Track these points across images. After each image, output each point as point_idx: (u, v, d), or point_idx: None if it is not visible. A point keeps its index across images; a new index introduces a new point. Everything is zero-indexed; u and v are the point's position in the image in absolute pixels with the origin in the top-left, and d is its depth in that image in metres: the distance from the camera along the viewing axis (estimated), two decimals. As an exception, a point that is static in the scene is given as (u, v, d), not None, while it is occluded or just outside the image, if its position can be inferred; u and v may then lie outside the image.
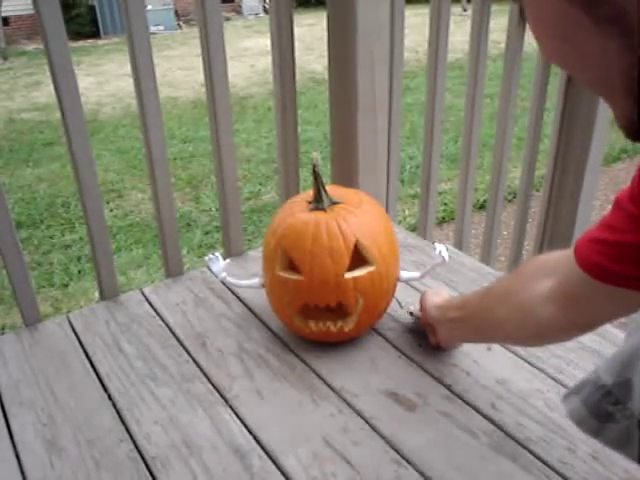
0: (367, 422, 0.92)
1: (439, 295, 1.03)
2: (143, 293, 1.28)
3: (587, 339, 1.06)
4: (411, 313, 1.11)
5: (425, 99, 1.50)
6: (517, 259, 1.64)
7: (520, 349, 1.05)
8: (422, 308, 1.05)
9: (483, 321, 0.85)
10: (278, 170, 1.45)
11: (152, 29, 9.18)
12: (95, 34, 10.01)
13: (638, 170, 0.51)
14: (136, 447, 0.89)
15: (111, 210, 3.36)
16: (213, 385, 1.01)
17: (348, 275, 0.99)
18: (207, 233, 3.06)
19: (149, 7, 8.82)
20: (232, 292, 1.27)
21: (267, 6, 10.30)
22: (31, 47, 9.19)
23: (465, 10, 8.49)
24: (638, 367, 0.54)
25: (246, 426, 0.92)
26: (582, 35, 0.42)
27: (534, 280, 0.71)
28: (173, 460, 0.86)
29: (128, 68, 1.15)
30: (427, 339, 1.06)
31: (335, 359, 1.05)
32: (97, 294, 1.30)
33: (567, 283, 0.64)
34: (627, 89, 0.42)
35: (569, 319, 0.66)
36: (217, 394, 0.99)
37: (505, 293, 0.79)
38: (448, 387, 0.98)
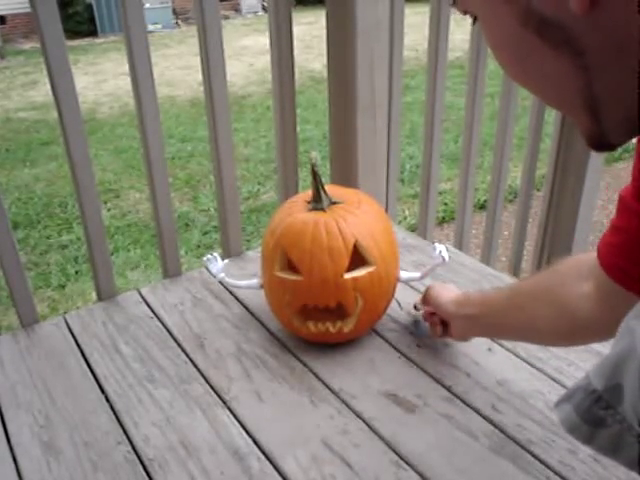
0: (366, 424, 0.91)
1: (448, 289, 1.02)
2: (141, 294, 1.27)
3: (588, 340, 1.05)
4: (415, 307, 1.10)
5: (425, 98, 1.50)
6: (518, 259, 1.64)
7: (521, 350, 1.04)
8: (427, 301, 1.03)
9: (512, 319, 0.84)
10: (277, 170, 1.44)
11: (150, 27, 9.17)
12: (92, 33, 9.98)
13: (636, 164, 0.52)
14: (134, 449, 0.88)
15: (109, 210, 3.35)
16: (211, 386, 1.00)
17: (347, 275, 0.98)
18: (205, 233, 3.05)
19: (147, 5, 8.80)
20: (230, 293, 1.26)
21: (266, 4, 10.29)
22: (28, 46, 9.17)
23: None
24: (628, 371, 0.54)
25: (245, 428, 0.91)
26: (539, 57, 0.45)
27: (572, 279, 0.71)
28: (171, 462, 0.86)
29: (126, 67, 1.14)
30: (427, 337, 1.06)
31: (334, 360, 1.05)
32: (94, 295, 1.29)
33: (598, 285, 0.64)
34: (585, 106, 0.45)
35: (604, 320, 0.66)
36: (215, 395, 0.98)
37: (539, 292, 0.79)
38: (448, 388, 0.97)
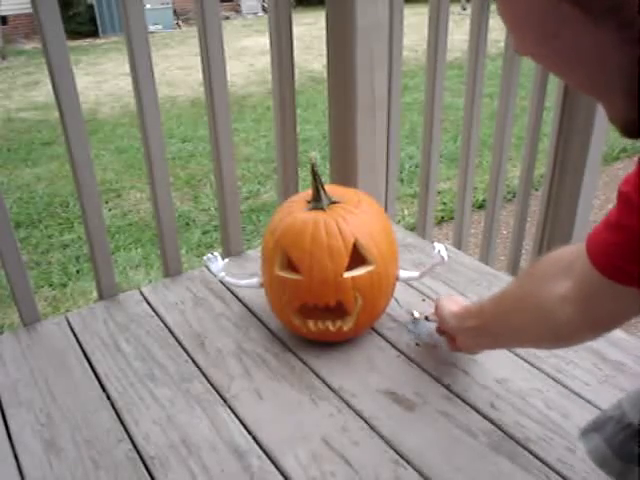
0: (366, 422, 0.91)
1: (454, 302, 0.99)
2: (142, 293, 1.28)
3: (586, 338, 1.06)
4: (427, 317, 1.08)
5: (424, 98, 1.50)
6: (516, 258, 1.64)
7: (519, 348, 1.05)
8: (438, 315, 1.00)
9: (501, 327, 0.81)
10: (277, 169, 1.45)
11: (151, 28, 9.17)
12: (94, 33, 9.99)
13: None
14: (135, 447, 0.89)
15: (110, 210, 3.36)
16: (212, 385, 1.00)
17: (347, 274, 0.98)
18: (206, 233, 3.05)
19: (148, 6, 8.79)
20: (231, 292, 1.26)
21: (266, 5, 10.28)
22: (29, 46, 9.18)
23: (464, 9, 8.49)
24: None
25: (245, 426, 0.92)
26: (573, 31, 0.40)
27: (548, 281, 0.68)
28: (172, 460, 0.86)
29: (127, 67, 1.15)
30: (445, 344, 1.03)
31: (334, 359, 1.05)
32: (96, 294, 1.30)
33: (583, 284, 0.60)
34: (623, 87, 0.40)
35: (587, 320, 0.63)
36: (216, 394, 0.98)
37: (520, 297, 0.76)
38: (447, 387, 0.98)
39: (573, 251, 0.66)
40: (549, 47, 0.43)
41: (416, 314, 1.12)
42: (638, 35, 0.37)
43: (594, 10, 0.38)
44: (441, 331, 1.02)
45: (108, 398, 0.99)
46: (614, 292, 0.54)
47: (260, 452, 0.87)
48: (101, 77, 6.82)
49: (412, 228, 2.40)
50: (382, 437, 0.89)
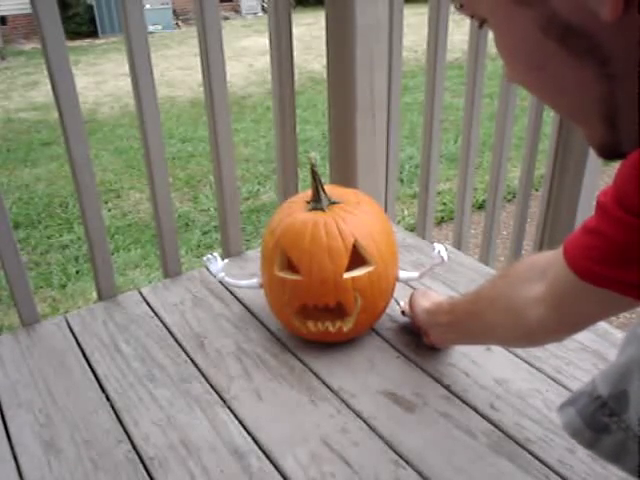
0: (366, 422, 0.91)
1: (427, 297, 1.03)
2: (141, 293, 1.28)
3: (587, 339, 1.06)
4: (403, 312, 1.12)
5: (424, 98, 1.50)
6: (516, 259, 1.64)
7: (519, 349, 1.05)
8: (412, 310, 1.05)
9: (474, 325, 0.85)
10: (277, 170, 1.45)
11: (150, 28, 9.18)
12: (93, 33, 10.00)
13: (620, 171, 0.49)
14: (134, 448, 0.89)
15: (109, 210, 3.36)
16: (211, 385, 1.00)
17: (347, 275, 0.98)
18: (205, 233, 3.06)
19: (147, 6, 8.81)
20: (230, 292, 1.26)
21: (265, 5, 10.29)
22: (29, 47, 9.18)
23: (464, 10, 8.49)
24: (634, 379, 0.54)
25: (244, 426, 0.91)
26: (558, 65, 0.44)
27: (523, 283, 0.71)
28: (171, 461, 0.86)
29: (126, 68, 1.15)
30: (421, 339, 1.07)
31: (334, 359, 1.05)
32: (95, 294, 1.30)
33: (557, 286, 0.63)
34: (603, 115, 0.44)
35: (559, 321, 0.66)
36: (215, 394, 0.98)
37: (495, 297, 0.78)
38: (447, 387, 0.97)
39: (548, 256, 0.68)
40: (536, 77, 0.47)
41: (402, 304, 1.13)
42: (613, 71, 0.41)
43: (576, 49, 0.42)
44: (416, 326, 1.05)
45: (107, 399, 0.98)
46: (587, 293, 0.56)
47: (260, 453, 0.87)
48: (100, 77, 6.82)
49: (412, 229, 2.40)
50: (382, 438, 0.88)
